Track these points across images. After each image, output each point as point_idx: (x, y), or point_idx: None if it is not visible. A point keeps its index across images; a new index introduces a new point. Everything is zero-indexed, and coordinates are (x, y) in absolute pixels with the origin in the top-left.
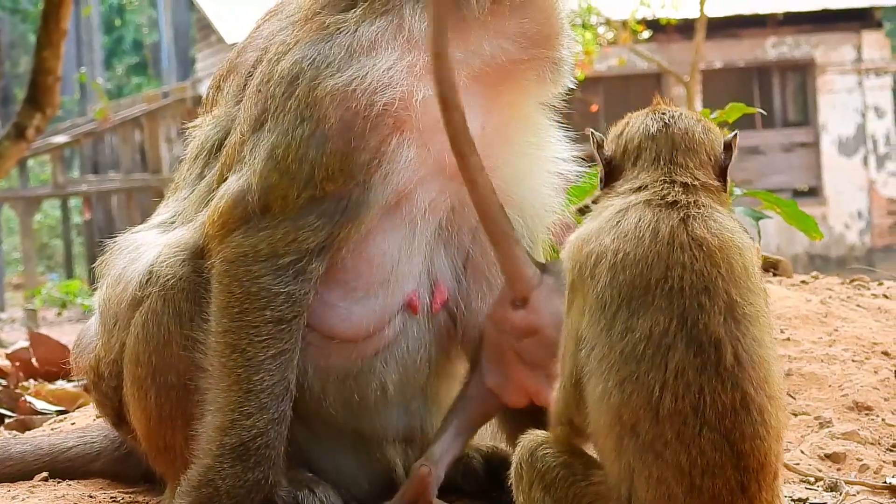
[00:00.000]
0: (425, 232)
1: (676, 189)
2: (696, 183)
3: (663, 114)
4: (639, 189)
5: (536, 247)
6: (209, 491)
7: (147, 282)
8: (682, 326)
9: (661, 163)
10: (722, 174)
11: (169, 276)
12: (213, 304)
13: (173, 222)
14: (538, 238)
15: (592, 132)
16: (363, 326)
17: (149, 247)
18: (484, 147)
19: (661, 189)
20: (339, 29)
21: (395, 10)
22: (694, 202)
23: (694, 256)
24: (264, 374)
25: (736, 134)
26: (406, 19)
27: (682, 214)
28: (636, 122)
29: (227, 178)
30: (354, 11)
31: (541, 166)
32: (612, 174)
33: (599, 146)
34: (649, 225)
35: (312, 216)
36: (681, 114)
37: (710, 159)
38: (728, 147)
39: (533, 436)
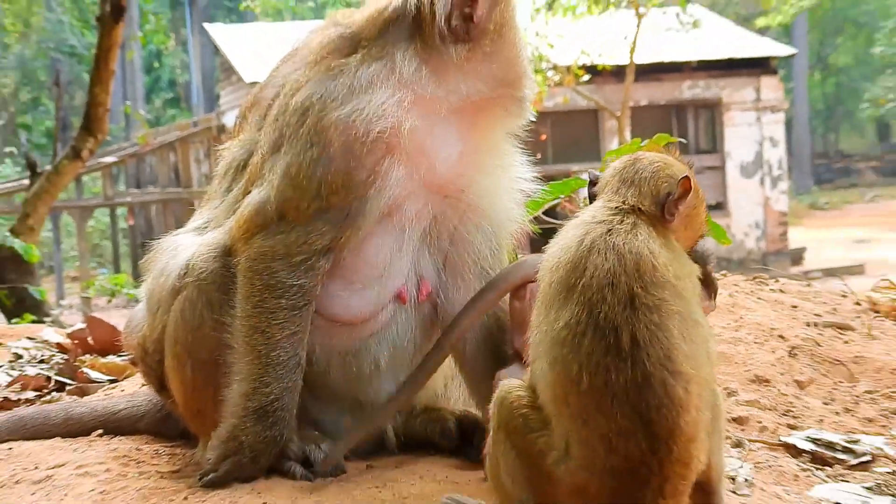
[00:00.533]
0: (412, 236)
1: (608, 212)
2: (627, 207)
3: (635, 158)
4: (585, 213)
5: (502, 249)
6: (235, 445)
7: (185, 274)
8: (591, 316)
9: (611, 193)
10: (662, 207)
11: (203, 270)
12: (238, 293)
13: (206, 227)
14: (503, 241)
15: (590, 171)
16: (361, 313)
17: (186, 246)
18: (461, 168)
19: (598, 212)
20: (342, 70)
21: (388, 56)
22: (620, 220)
23: (606, 258)
24: (280, 351)
25: (687, 177)
26: (397, 63)
27: (606, 228)
28: (613, 167)
29: (250, 192)
30: (355, 56)
31: (506, 184)
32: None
33: (593, 183)
34: (579, 237)
35: (320, 223)
36: (644, 156)
37: (650, 192)
38: (676, 185)
39: (510, 385)
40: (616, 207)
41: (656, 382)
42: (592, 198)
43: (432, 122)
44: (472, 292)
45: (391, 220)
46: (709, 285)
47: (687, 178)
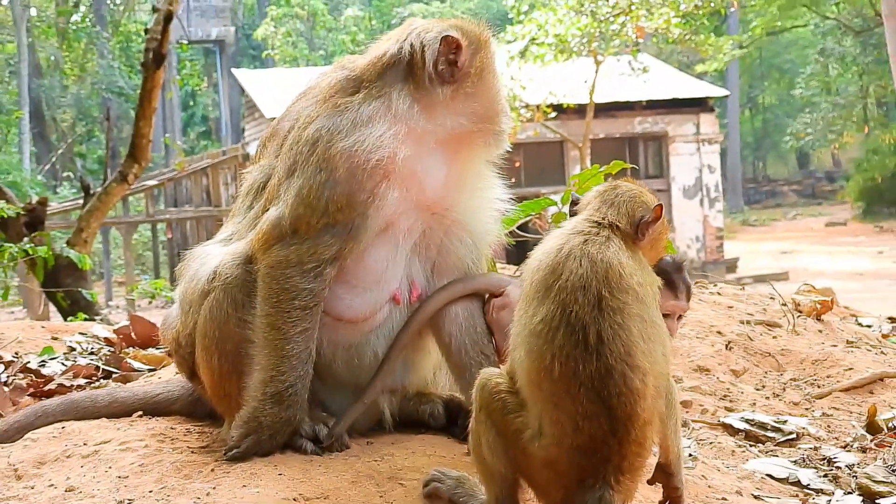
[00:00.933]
0: (405, 247)
1: (590, 226)
2: (605, 223)
3: (616, 184)
4: (567, 224)
5: (482, 257)
6: (255, 425)
7: (213, 279)
8: (564, 313)
9: (593, 210)
10: (636, 228)
11: (228, 276)
12: (258, 295)
13: (231, 239)
14: (483, 251)
15: (573, 194)
16: (362, 312)
17: (214, 255)
18: (447, 189)
19: (580, 225)
20: (347, 107)
21: (385, 95)
22: (597, 233)
23: (580, 264)
24: (293, 345)
25: (660, 204)
26: (393, 102)
27: (584, 238)
28: (595, 189)
29: (268, 209)
30: (358, 95)
31: (485, 203)
32: None
33: (574, 203)
34: (560, 244)
35: (327, 236)
36: (622, 184)
37: (627, 214)
38: (650, 211)
39: (490, 372)
40: (595, 222)
41: (617, 374)
42: (573, 216)
43: (422, 151)
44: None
45: (387, 233)
46: (684, 288)
47: (660, 205)
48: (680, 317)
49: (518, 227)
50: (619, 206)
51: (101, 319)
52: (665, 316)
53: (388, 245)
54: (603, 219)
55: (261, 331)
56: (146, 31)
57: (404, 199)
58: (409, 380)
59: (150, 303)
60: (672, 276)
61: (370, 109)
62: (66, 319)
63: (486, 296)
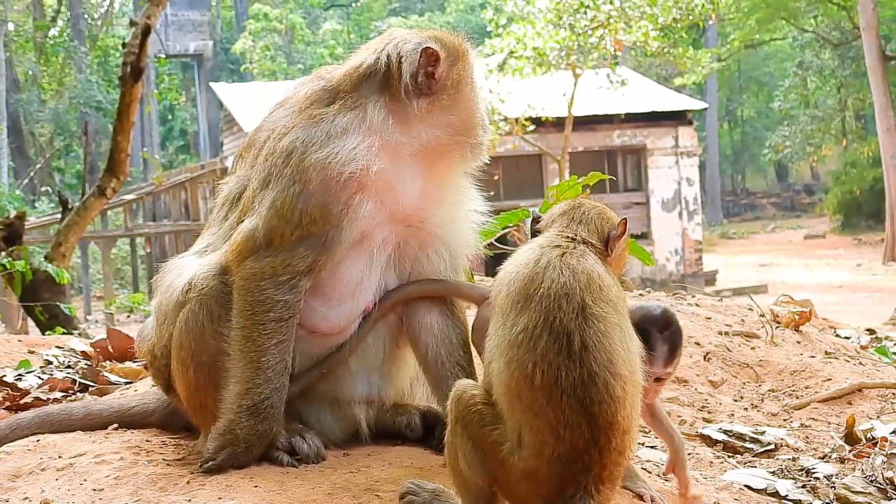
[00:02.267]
0: (380, 259)
1: (564, 240)
2: (579, 238)
3: (579, 203)
4: (540, 239)
5: (459, 269)
6: (231, 437)
7: (188, 290)
8: (546, 322)
9: (562, 228)
10: (606, 242)
11: (203, 287)
12: (234, 308)
13: (206, 250)
14: (460, 262)
15: (532, 210)
16: (336, 325)
17: (189, 267)
18: (423, 203)
19: (554, 240)
20: (322, 119)
21: (361, 106)
22: (573, 247)
23: (561, 273)
24: (269, 357)
25: (625, 219)
26: (368, 113)
27: (560, 252)
28: (557, 207)
29: (243, 221)
30: (333, 106)
31: (462, 215)
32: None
33: (535, 220)
34: (536, 257)
35: (301, 248)
36: (587, 203)
37: (597, 229)
38: (616, 226)
39: (465, 384)
40: (569, 237)
41: (600, 381)
42: (535, 234)
43: (397, 164)
44: (435, 303)
45: (362, 245)
46: (664, 352)
47: (624, 220)
48: (659, 379)
49: (496, 240)
50: (587, 223)
51: (80, 333)
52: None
53: (363, 257)
54: (575, 235)
55: (236, 343)
56: (124, 45)
57: (379, 211)
58: (386, 391)
59: (129, 317)
60: (651, 337)
61: (345, 121)
62: (44, 334)
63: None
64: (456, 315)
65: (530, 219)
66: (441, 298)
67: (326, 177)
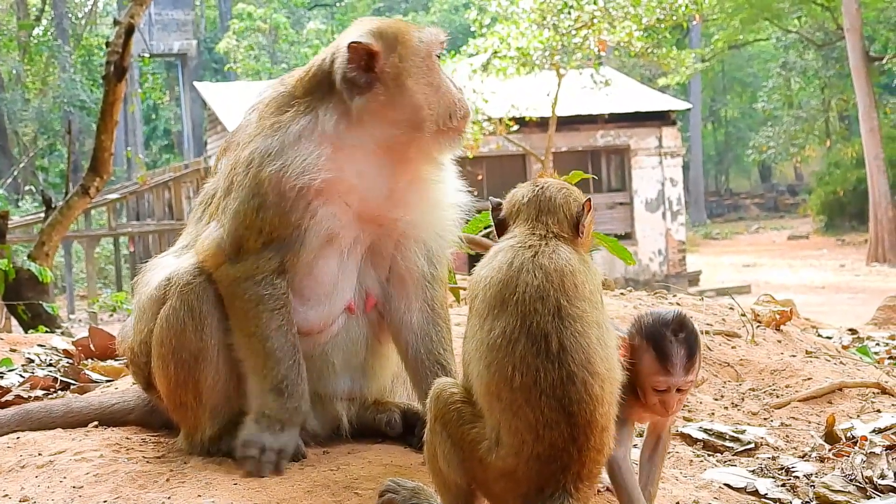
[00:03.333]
0: (355, 258)
1: (535, 238)
2: (551, 233)
3: (537, 185)
4: (512, 239)
5: (441, 261)
6: (265, 421)
7: (168, 288)
8: (523, 325)
9: (530, 221)
10: (576, 227)
11: (184, 283)
12: (228, 310)
13: (186, 248)
14: (441, 254)
15: (491, 199)
16: (316, 324)
17: (169, 265)
18: (391, 203)
19: (525, 239)
20: (278, 127)
21: (313, 111)
22: (545, 244)
23: (535, 276)
24: (273, 341)
25: (589, 199)
26: (320, 118)
27: (533, 252)
28: (519, 192)
29: (210, 224)
30: (288, 113)
31: (438, 210)
32: (502, 228)
33: (495, 209)
34: (509, 260)
35: (267, 252)
36: (549, 184)
37: (566, 217)
38: (583, 207)
39: (444, 382)
40: (540, 234)
41: (578, 381)
42: (499, 223)
43: (357, 166)
44: (415, 300)
45: (332, 246)
46: (682, 358)
47: (589, 199)
48: (681, 390)
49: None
50: (556, 211)
51: (63, 332)
52: (657, 391)
53: (335, 258)
54: (547, 231)
55: (241, 343)
56: (107, 44)
57: (344, 213)
58: (368, 387)
59: (112, 315)
60: (665, 342)
61: (298, 128)
62: (26, 332)
63: None
64: (437, 312)
65: (492, 207)
66: (421, 295)
67: (281, 188)
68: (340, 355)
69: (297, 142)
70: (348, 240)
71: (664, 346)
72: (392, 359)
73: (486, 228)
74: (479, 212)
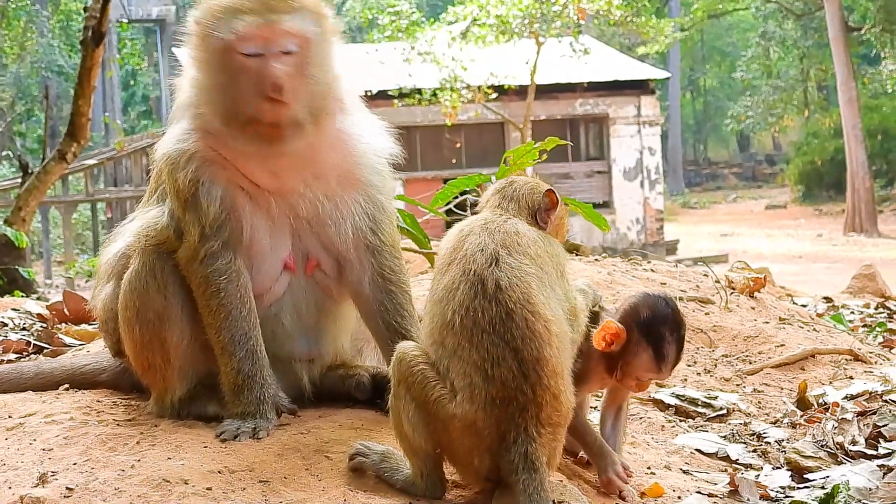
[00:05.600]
0: (284, 227)
1: (493, 216)
2: (509, 214)
3: (511, 180)
4: (475, 217)
5: (383, 222)
6: (238, 417)
7: (131, 249)
8: (464, 274)
9: (494, 207)
10: (533, 215)
11: (143, 245)
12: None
13: (148, 209)
14: (384, 228)
15: (468, 198)
16: (262, 286)
17: (133, 229)
18: (281, 179)
19: (484, 215)
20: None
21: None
22: (500, 219)
23: (479, 236)
24: (224, 333)
25: (551, 189)
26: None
27: (484, 221)
28: (493, 187)
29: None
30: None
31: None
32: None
33: (473, 205)
34: (463, 227)
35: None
36: (517, 180)
37: (527, 205)
38: (544, 196)
39: (406, 346)
40: (499, 214)
41: (518, 317)
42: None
43: (226, 144)
44: (362, 269)
45: (256, 218)
46: (672, 359)
47: (551, 191)
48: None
49: (455, 206)
50: (517, 199)
51: (38, 297)
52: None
53: (264, 227)
54: (505, 212)
55: (208, 320)
56: (85, 9)
57: (238, 193)
58: (325, 348)
59: (88, 281)
60: (664, 344)
61: (178, 109)
62: (2, 297)
63: None
64: (388, 279)
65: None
66: (368, 264)
67: (170, 168)
68: (288, 316)
69: (179, 121)
70: (268, 212)
71: (663, 347)
72: (349, 319)
73: (459, 195)
74: (445, 181)
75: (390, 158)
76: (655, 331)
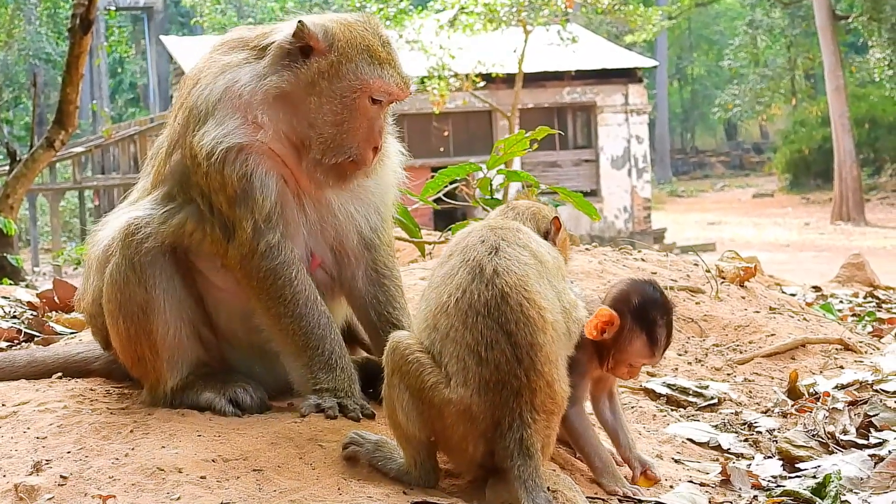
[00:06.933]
0: (300, 227)
1: (499, 221)
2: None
3: (513, 205)
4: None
5: (384, 224)
6: (326, 392)
7: (112, 243)
8: (464, 261)
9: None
10: (545, 235)
11: (121, 238)
12: (247, 293)
13: (136, 202)
14: (383, 226)
15: (458, 186)
16: None
17: (114, 221)
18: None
19: (489, 220)
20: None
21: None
22: (502, 220)
23: (481, 230)
24: (306, 320)
25: (557, 217)
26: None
27: (487, 222)
28: (494, 214)
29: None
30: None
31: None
32: None
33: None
34: (472, 228)
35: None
36: (522, 204)
37: (534, 229)
38: (551, 224)
39: (400, 335)
40: (505, 220)
41: (513, 301)
42: None
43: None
44: (357, 267)
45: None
46: (664, 343)
47: (556, 217)
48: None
49: (446, 195)
50: (524, 220)
51: (27, 285)
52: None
53: (289, 215)
54: (507, 221)
55: (275, 330)
56: None
57: (285, 187)
58: None
59: (76, 269)
60: (656, 328)
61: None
62: None
63: None
64: (381, 273)
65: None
66: (363, 261)
67: (219, 164)
68: None
69: (214, 111)
70: (300, 205)
71: (655, 332)
72: (340, 315)
73: (449, 184)
74: (434, 170)
75: (401, 163)
76: (648, 316)
